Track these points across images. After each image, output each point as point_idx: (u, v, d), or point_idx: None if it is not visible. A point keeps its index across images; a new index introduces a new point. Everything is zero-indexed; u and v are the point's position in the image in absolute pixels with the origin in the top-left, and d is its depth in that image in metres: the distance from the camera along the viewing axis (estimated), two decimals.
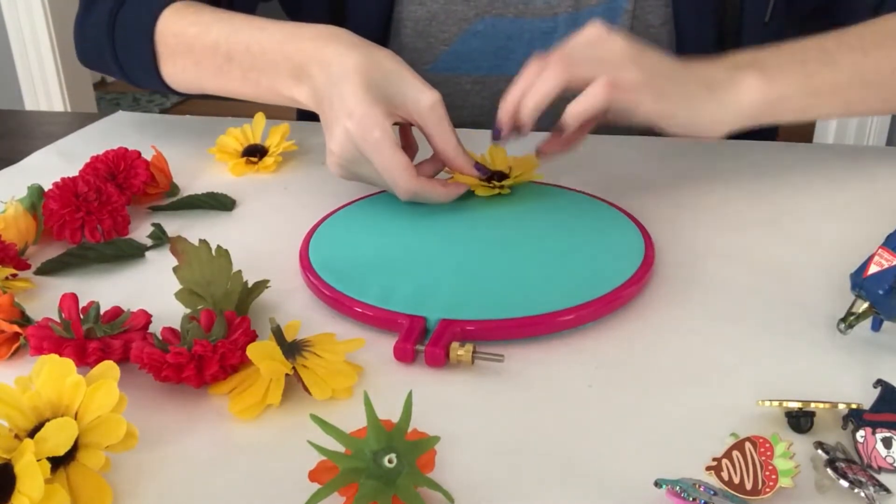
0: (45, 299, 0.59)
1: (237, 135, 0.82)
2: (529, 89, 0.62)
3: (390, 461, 0.38)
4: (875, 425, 0.42)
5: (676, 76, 0.65)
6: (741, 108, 0.66)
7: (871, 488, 0.38)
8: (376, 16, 0.88)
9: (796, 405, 0.43)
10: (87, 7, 0.80)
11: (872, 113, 0.74)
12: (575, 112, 0.61)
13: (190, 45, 0.71)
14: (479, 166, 0.67)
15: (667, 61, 0.65)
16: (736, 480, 0.39)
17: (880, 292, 0.48)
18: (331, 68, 0.63)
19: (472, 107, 0.89)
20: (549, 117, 0.65)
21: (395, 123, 0.64)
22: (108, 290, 0.60)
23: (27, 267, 0.62)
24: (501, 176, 0.69)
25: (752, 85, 0.66)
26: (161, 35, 0.74)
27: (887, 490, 0.39)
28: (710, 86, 0.66)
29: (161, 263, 0.63)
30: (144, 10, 0.74)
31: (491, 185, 0.68)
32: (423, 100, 0.63)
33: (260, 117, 0.83)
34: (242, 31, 0.69)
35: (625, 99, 0.61)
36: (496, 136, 0.66)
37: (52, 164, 0.82)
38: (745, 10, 0.83)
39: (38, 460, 0.37)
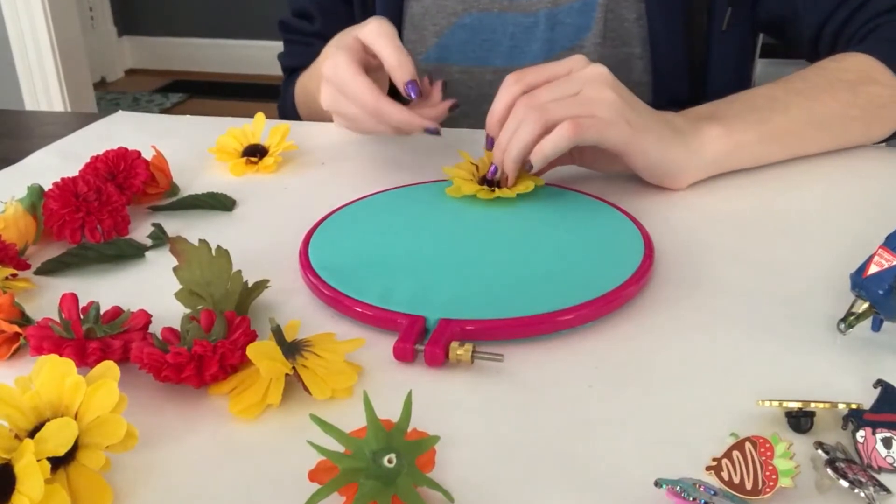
0: (45, 299, 0.59)
1: (237, 135, 0.82)
2: (511, 139, 0.65)
3: (390, 461, 0.38)
4: (875, 425, 0.42)
5: (650, 115, 0.68)
6: (706, 157, 0.70)
7: (871, 488, 0.38)
8: (393, 15, 0.94)
9: (796, 405, 0.43)
10: (283, 84, 1.05)
11: (824, 150, 0.77)
12: (540, 154, 0.64)
13: (301, 99, 0.98)
14: (412, 85, 0.70)
15: (641, 102, 0.69)
16: (736, 480, 0.39)
17: (880, 292, 0.48)
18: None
19: (459, 95, 0.93)
20: None
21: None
22: (108, 290, 0.60)
23: (27, 267, 0.62)
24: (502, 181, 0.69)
25: (715, 135, 0.70)
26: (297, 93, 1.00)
27: (887, 490, 0.39)
28: (678, 131, 0.69)
29: (161, 263, 0.63)
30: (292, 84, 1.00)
31: (492, 189, 0.68)
32: (368, 24, 0.72)
33: (260, 117, 0.83)
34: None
35: (592, 136, 0.64)
36: (493, 173, 0.69)
37: (52, 164, 0.82)
38: (714, 11, 0.87)
39: (38, 460, 0.37)
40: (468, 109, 0.94)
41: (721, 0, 0.86)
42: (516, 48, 0.92)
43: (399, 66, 0.70)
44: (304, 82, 0.96)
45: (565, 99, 0.65)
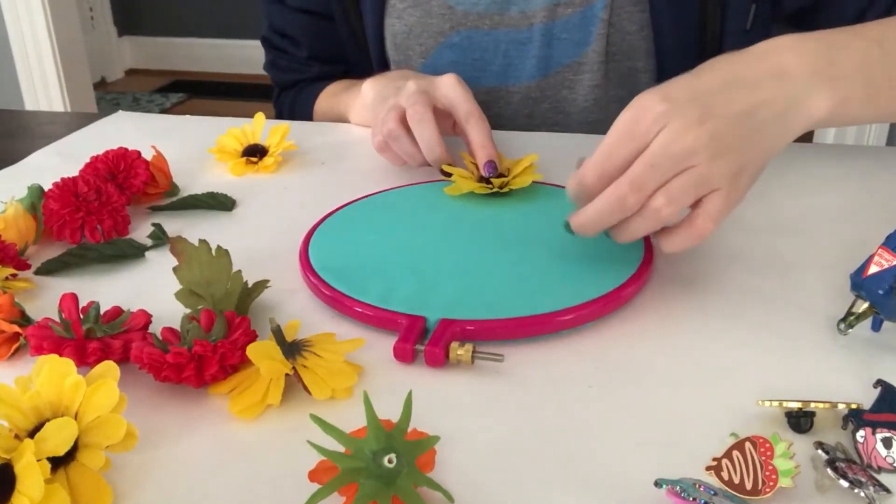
0: (45, 299, 0.59)
1: (237, 135, 0.82)
2: (624, 224, 0.55)
3: (390, 461, 0.38)
4: (875, 425, 0.42)
5: (738, 122, 0.55)
6: (806, 127, 0.58)
7: (871, 488, 0.38)
8: (374, 32, 0.91)
9: (796, 405, 0.43)
10: (277, 97, 1.06)
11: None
12: (674, 247, 0.55)
13: (324, 110, 0.99)
14: (490, 165, 0.69)
15: (724, 105, 0.55)
16: (736, 480, 0.39)
17: (880, 292, 0.48)
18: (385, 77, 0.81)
19: (448, 119, 0.90)
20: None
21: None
22: (108, 290, 0.60)
23: (27, 267, 0.62)
24: (500, 178, 0.69)
25: (819, 105, 0.57)
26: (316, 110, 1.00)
27: (887, 490, 0.39)
28: (778, 116, 0.56)
29: (161, 263, 0.63)
30: (310, 101, 1.00)
31: (489, 185, 0.68)
32: (444, 78, 0.73)
33: (260, 117, 0.83)
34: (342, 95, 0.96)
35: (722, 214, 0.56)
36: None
37: (52, 164, 0.82)
38: (727, 16, 0.83)
39: (38, 460, 0.37)
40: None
41: (739, 1, 0.82)
42: (510, 66, 0.88)
43: (482, 146, 0.70)
44: (331, 105, 0.96)
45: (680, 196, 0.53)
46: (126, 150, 0.74)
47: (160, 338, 0.50)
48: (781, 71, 0.57)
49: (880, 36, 0.62)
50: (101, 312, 0.52)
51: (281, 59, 1.01)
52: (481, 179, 0.69)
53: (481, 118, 0.71)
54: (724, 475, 0.39)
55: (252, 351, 0.47)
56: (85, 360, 0.48)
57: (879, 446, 0.41)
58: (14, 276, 0.59)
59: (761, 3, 0.84)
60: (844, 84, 0.59)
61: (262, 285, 0.56)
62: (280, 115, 1.05)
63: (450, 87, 0.73)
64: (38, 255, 0.65)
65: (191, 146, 0.85)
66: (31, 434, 0.39)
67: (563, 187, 0.70)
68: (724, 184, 0.55)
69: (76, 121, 0.99)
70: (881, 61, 0.61)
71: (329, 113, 0.96)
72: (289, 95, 1.02)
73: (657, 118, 0.53)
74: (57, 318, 0.51)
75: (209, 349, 0.47)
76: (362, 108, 0.87)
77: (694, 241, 0.54)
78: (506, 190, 0.68)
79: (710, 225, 0.54)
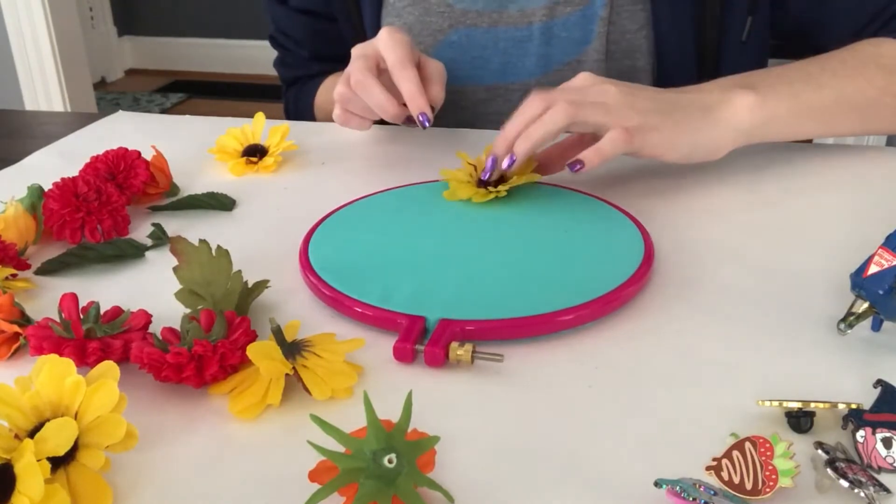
0: (45, 299, 0.59)
1: (237, 135, 0.82)
2: (533, 123, 0.65)
3: (390, 461, 0.38)
4: (875, 425, 0.42)
5: (671, 108, 0.68)
6: (737, 126, 0.69)
7: (871, 488, 0.38)
8: (373, 30, 0.91)
9: (796, 405, 0.43)
10: (285, 93, 1.08)
11: (852, 134, 0.77)
12: (598, 158, 0.64)
13: (322, 102, 1.01)
14: (423, 116, 0.71)
15: (659, 95, 0.69)
16: (736, 480, 0.39)
17: (880, 292, 0.48)
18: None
19: (450, 117, 0.90)
20: None
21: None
22: (108, 290, 0.60)
23: (27, 267, 0.62)
24: (498, 180, 0.69)
25: (745, 104, 0.69)
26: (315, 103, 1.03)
27: (887, 490, 0.39)
28: (704, 109, 0.68)
29: (161, 263, 0.63)
30: (310, 95, 1.02)
31: (487, 189, 0.68)
32: (380, 34, 0.74)
33: (260, 117, 0.83)
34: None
35: (638, 143, 0.65)
36: (486, 175, 0.68)
37: (52, 164, 0.82)
38: (725, 25, 0.84)
39: (38, 460, 0.37)
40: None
41: (737, 10, 0.83)
42: (509, 64, 0.88)
43: (411, 99, 0.71)
44: (328, 98, 0.97)
45: (593, 104, 0.65)
46: (126, 150, 0.74)
47: (160, 338, 0.50)
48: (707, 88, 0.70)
49: (815, 65, 0.73)
50: (101, 312, 0.52)
51: (287, 57, 1.03)
52: (480, 183, 0.69)
53: (405, 67, 0.71)
54: (724, 475, 0.39)
55: (252, 351, 0.47)
56: (85, 360, 0.48)
57: (879, 446, 0.41)
58: (14, 276, 0.59)
59: (758, 17, 0.84)
60: (767, 91, 0.70)
61: (262, 285, 0.56)
62: (287, 109, 1.07)
63: (380, 42, 0.73)
64: (38, 255, 0.65)
65: (191, 146, 0.85)
66: (31, 434, 0.39)
67: (563, 187, 0.71)
68: (625, 126, 0.64)
69: (76, 121, 0.99)
70: (806, 80, 0.72)
71: (326, 106, 0.98)
72: (293, 91, 1.04)
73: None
74: (57, 318, 0.51)
75: (209, 349, 0.47)
76: None
77: (587, 162, 0.64)
78: (503, 193, 0.68)
79: (594, 156, 0.64)
